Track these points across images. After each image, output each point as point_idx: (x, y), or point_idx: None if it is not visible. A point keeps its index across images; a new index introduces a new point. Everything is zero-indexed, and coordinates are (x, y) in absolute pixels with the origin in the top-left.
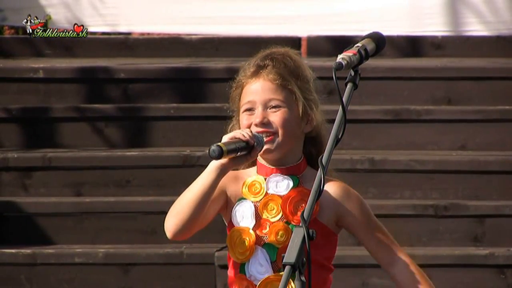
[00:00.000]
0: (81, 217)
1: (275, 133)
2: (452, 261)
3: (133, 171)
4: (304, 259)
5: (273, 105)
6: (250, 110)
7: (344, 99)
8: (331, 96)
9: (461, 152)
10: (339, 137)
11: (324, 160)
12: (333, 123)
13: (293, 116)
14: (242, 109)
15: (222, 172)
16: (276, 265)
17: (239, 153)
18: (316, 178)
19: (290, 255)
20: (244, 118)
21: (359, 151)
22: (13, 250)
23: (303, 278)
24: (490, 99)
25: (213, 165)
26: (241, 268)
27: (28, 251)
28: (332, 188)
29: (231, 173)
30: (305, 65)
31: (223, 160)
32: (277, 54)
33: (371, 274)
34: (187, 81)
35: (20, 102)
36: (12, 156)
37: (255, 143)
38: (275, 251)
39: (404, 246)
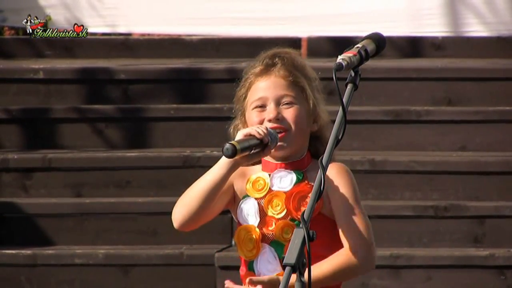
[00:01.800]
0: (81, 218)
1: (288, 130)
2: (452, 262)
3: (133, 172)
4: (304, 259)
5: (286, 101)
6: (261, 106)
7: (344, 100)
8: (331, 97)
9: (461, 153)
10: (339, 138)
11: (324, 161)
12: (333, 123)
13: (304, 113)
14: (252, 106)
15: (233, 167)
16: None
17: (252, 150)
18: (316, 179)
19: (290, 256)
20: (254, 115)
21: (359, 152)
22: (13, 251)
23: (303, 279)
24: (490, 99)
25: (225, 160)
26: (249, 265)
27: (28, 252)
28: (328, 170)
29: (239, 169)
30: (308, 65)
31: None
32: (283, 53)
33: (371, 274)
34: (187, 82)
35: (20, 103)
36: (12, 157)
37: (269, 141)
38: (282, 248)
39: (404, 247)
